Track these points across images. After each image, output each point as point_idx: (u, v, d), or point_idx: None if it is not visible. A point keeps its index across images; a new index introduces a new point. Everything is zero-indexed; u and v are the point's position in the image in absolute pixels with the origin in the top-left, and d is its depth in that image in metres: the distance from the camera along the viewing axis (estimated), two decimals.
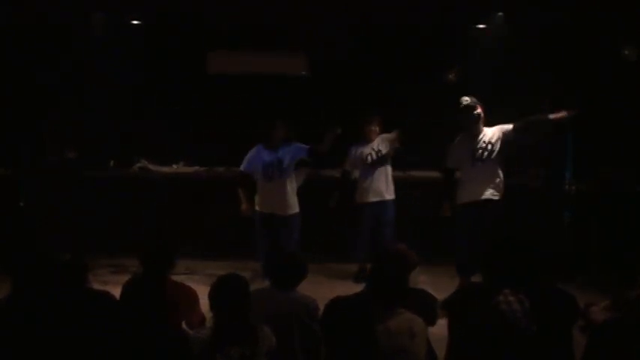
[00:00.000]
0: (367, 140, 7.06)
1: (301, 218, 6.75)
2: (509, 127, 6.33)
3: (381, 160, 7.01)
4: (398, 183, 7.29)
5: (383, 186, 7.02)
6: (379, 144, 7.03)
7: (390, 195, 7.06)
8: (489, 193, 6.28)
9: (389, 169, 7.07)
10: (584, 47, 7.28)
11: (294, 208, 6.71)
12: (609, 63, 7.29)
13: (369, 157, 7.02)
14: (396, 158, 7.19)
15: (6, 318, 3.68)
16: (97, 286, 4.46)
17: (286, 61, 8.23)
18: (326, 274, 7.09)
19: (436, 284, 6.02)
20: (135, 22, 8.38)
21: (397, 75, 8.21)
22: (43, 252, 4.04)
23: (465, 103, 6.30)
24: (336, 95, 8.25)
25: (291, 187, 6.70)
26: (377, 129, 7.06)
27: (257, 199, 6.72)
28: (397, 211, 7.14)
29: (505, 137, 6.31)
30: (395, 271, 3.91)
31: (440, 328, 4.04)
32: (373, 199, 7.03)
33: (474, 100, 6.33)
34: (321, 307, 3.99)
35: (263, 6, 7.84)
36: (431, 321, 4.01)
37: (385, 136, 7.05)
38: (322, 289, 5.80)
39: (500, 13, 7.97)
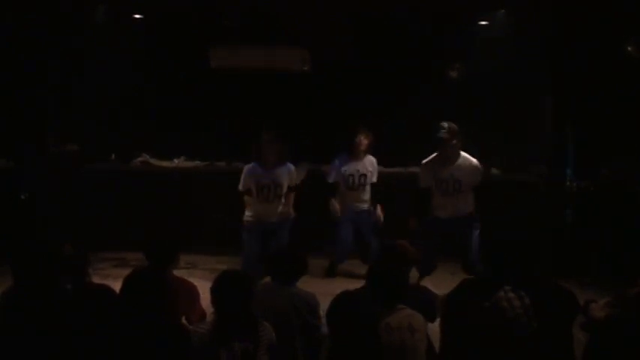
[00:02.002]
0: (354, 155, 6.86)
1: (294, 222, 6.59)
2: None
3: (362, 183, 6.89)
4: (399, 179, 7.28)
5: (361, 198, 6.93)
6: (366, 166, 6.90)
7: (367, 205, 6.96)
8: None
9: (368, 186, 6.94)
10: (586, 44, 7.27)
11: (286, 214, 6.50)
12: (612, 60, 7.28)
13: (351, 179, 6.87)
14: (397, 155, 7.19)
15: (8, 310, 3.69)
16: (97, 280, 4.47)
17: (288, 57, 8.23)
18: (323, 270, 7.08)
19: (436, 281, 6.03)
20: (137, 15, 8.38)
21: (399, 71, 8.21)
22: (44, 245, 4.04)
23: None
24: (338, 92, 8.25)
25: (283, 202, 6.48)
26: (366, 142, 6.84)
27: (249, 212, 6.44)
28: (394, 208, 7.14)
29: None
30: (395, 268, 3.93)
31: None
32: (351, 210, 6.94)
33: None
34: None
35: (265, 1, 7.85)
36: (431, 318, 4.03)
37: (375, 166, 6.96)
38: (319, 284, 5.83)
39: (502, 10, 7.97)
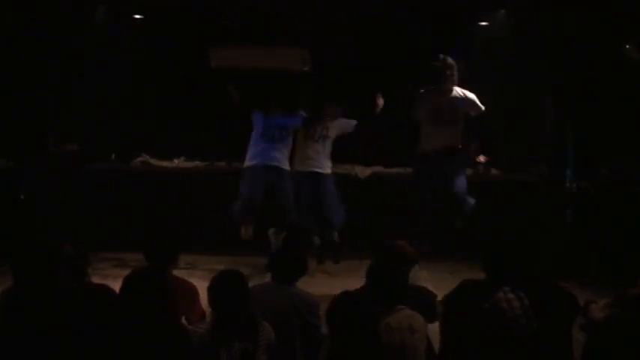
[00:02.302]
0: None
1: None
2: None
3: (321, 134, 6.99)
4: (397, 179, 7.28)
5: (318, 160, 6.97)
6: (329, 126, 7.01)
7: (326, 170, 6.99)
8: None
9: (328, 146, 7.02)
10: (586, 44, 7.28)
11: (287, 166, 6.78)
12: (612, 60, 7.29)
13: (312, 127, 6.98)
14: (395, 155, 7.20)
15: (8, 310, 3.69)
16: (97, 280, 4.47)
17: (288, 57, 8.23)
18: (322, 270, 7.07)
19: (436, 281, 6.02)
20: (137, 15, 8.38)
21: (399, 71, 8.20)
22: (44, 245, 4.04)
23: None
24: (338, 92, 8.24)
25: (288, 152, 6.78)
26: (333, 113, 7.06)
27: (248, 156, 6.75)
28: (394, 208, 7.14)
29: None
30: (395, 268, 3.93)
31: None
32: (307, 168, 6.97)
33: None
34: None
35: (265, 1, 7.85)
36: (431, 318, 4.02)
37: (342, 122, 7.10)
38: (319, 284, 5.83)
39: (502, 10, 7.97)
